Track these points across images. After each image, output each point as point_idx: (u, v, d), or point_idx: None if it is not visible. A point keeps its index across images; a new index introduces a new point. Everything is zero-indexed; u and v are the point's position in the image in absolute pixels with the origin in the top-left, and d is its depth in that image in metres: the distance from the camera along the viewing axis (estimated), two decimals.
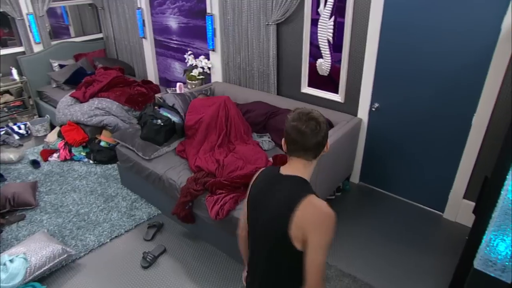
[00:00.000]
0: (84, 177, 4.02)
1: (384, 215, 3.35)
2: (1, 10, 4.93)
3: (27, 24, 5.18)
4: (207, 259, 2.92)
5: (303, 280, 1.28)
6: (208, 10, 4.24)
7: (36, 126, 5.02)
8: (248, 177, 2.79)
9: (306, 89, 3.76)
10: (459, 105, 2.88)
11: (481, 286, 1.62)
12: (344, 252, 2.93)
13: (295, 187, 1.31)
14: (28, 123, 5.08)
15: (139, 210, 3.47)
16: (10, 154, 4.30)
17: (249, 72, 4.15)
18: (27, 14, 5.13)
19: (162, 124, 3.48)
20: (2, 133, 4.87)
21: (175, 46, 5.09)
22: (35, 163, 4.24)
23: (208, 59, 4.57)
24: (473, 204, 2.88)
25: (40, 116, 5.43)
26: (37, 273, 2.64)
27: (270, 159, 3.12)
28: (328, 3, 3.23)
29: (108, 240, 3.12)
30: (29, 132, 5.09)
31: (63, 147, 4.35)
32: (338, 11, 3.21)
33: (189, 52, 4.72)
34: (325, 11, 3.28)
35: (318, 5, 3.32)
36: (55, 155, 4.39)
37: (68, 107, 4.50)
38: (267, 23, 3.68)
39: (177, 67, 5.26)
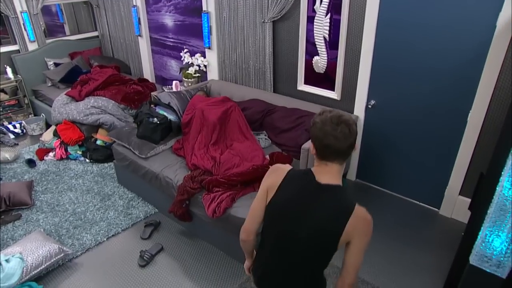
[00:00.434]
0: (80, 176, 4.00)
1: (380, 212, 3.36)
2: None
3: (21, 22, 5.14)
4: (204, 257, 2.92)
5: (325, 281, 1.49)
6: (204, 8, 4.22)
7: (31, 125, 4.99)
8: (245, 174, 2.79)
9: (302, 87, 3.76)
10: (455, 102, 2.89)
11: (477, 282, 1.63)
12: (341, 249, 2.93)
13: (342, 198, 1.34)
14: (23, 122, 5.05)
15: (136, 209, 3.46)
16: (5, 154, 4.28)
17: (245, 70, 4.14)
18: (21, 12, 5.09)
19: (158, 122, 3.48)
20: None
21: (171, 44, 5.07)
22: (30, 162, 4.22)
23: (204, 57, 4.56)
24: (468, 200, 2.90)
25: (35, 115, 5.40)
26: (33, 272, 2.63)
27: (267, 156, 3.12)
28: (324, 0, 3.22)
29: (105, 239, 3.11)
30: (24, 131, 5.06)
31: (59, 146, 4.33)
32: (334, 8, 3.20)
33: (185, 50, 4.71)
34: (321, 8, 3.27)
35: (314, 3, 3.31)
36: (51, 154, 4.37)
37: (63, 106, 4.48)
38: (263, 20, 3.68)
39: (173, 65, 5.24)
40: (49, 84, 5.33)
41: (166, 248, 3.02)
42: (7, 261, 2.55)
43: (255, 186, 2.79)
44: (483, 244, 1.53)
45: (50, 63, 5.43)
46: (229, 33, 4.09)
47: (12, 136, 4.89)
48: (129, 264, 2.87)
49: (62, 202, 3.57)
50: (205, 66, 4.57)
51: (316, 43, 3.45)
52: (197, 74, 4.60)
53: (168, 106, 3.72)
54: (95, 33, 6.14)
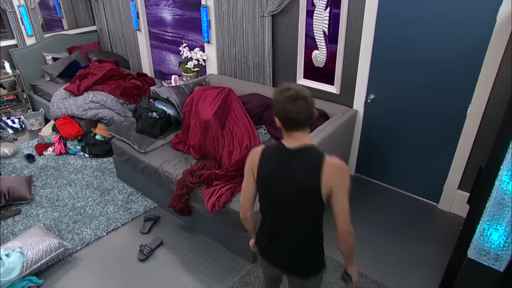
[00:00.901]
0: (79, 170, 4.01)
1: (379, 206, 3.37)
2: None
3: (18, 16, 5.11)
4: (203, 251, 2.93)
5: (322, 234, 1.64)
6: (203, 2, 4.20)
7: (30, 120, 4.98)
8: (240, 162, 2.79)
9: (301, 81, 3.75)
10: (454, 96, 2.89)
11: (475, 275, 1.65)
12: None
13: (311, 155, 1.49)
14: (22, 117, 5.04)
15: (136, 203, 3.47)
16: (4, 149, 4.27)
17: (244, 64, 4.13)
18: (18, 6, 5.06)
19: (157, 117, 3.47)
20: None
21: (169, 38, 5.05)
22: (30, 157, 4.22)
23: (203, 51, 4.54)
24: (467, 194, 2.91)
25: (34, 110, 5.38)
26: (33, 267, 2.64)
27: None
28: None
29: (105, 234, 3.12)
30: (23, 126, 5.05)
31: (58, 141, 4.33)
32: (334, 2, 3.19)
33: (184, 44, 4.68)
34: (320, 2, 3.26)
35: None
36: (50, 149, 4.37)
37: (62, 101, 4.46)
38: (262, 14, 3.66)
39: (172, 59, 5.22)
40: (48, 79, 5.31)
41: (166, 242, 3.03)
42: (7, 255, 2.55)
43: None
44: (482, 238, 1.54)
45: (49, 57, 5.41)
46: (228, 27, 4.07)
47: (11, 131, 4.89)
48: (128, 258, 2.88)
49: (61, 197, 3.58)
50: (204, 60, 4.55)
51: (316, 37, 3.43)
52: (196, 69, 4.59)
53: (167, 101, 3.71)
54: (93, 28, 6.11)
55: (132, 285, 2.65)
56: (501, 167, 1.43)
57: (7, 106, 5.24)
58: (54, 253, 2.77)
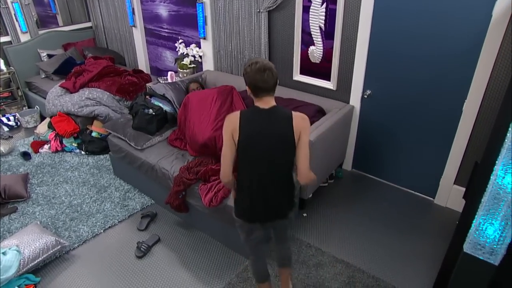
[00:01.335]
0: (76, 168, 3.99)
1: (376, 201, 3.38)
2: None
3: (12, 12, 5.06)
4: (201, 247, 2.93)
5: (293, 180, 1.97)
6: None
7: (25, 118, 4.95)
8: None
9: (298, 77, 3.75)
10: (450, 91, 2.90)
11: (471, 269, 1.66)
12: (337, 238, 2.97)
13: (282, 110, 1.86)
14: (17, 114, 5.01)
15: (132, 200, 3.46)
16: None
17: (240, 60, 4.11)
18: (12, 3, 5.01)
19: (153, 113, 3.46)
20: None
21: (165, 34, 5.02)
22: (25, 155, 4.20)
23: (199, 47, 4.52)
24: (463, 189, 2.93)
25: (29, 107, 5.35)
26: (30, 265, 2.64)
27: None
28: None
29: (102, 231, 3.12)
30: (18, 123, 5.02)
31: (54, 138, 4.31)
32: None
33: (180, 41, 4.66)
34: None
35: None
36: (46, 146, 4.35)
37: (58, 98, 4.44)
38: (258, 10, 3.64)
39: (168, 55, 5.19)
40: (43, 76, 5.28)
41: (163, 239, 3.03)
42: (4, 253, 2.54)
43: None
44: (477, 232, 1.55)
45: (43, 54, 5.37)
46: (224, 23, 4.05)
47: (6, 128, 4.86)
48: (126, 255, 2.88)
49: (58, 194, 3.57)
50: (200, 56, 4.54)
51: (312, 33, 3.43)
52: (193, 65, 4.57)
53: (163, 97, 3.70)
54: (88, 24, 6.06)
55: (129, 282, 2.66)
56: (497, 162, 1.44)
57: (2, 104, 5.20)
58: (51, 251, 2.76)
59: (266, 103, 1.83)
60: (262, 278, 2.21)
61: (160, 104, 3.63)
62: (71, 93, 4.48)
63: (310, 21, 3.39)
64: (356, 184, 3.65)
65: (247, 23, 3.82)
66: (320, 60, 3.50)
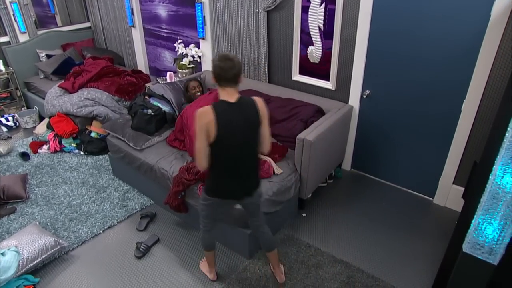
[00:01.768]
0: (75, 168, 3.99)
1: (375, 201, 3.38)
2: None
3: (11, 13, 5.05)
4: (200, 248, 2.93)
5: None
6: None
7: (24, 118, 4.95)
8: None
9: (297, 77, 3.75)
10: (449, 91, 2.90)
11: (470, 269, 1.66)
12: (336, 238, 2.97)
13: (248, 100, 2.05)
14: (16, 114, 5.00)
15: (132, 201, 3.46)
16: None
17: (240, 60, 4.11)
18: (10, 3, 5.00)
19: (152, 114, 3.46)
20: None
21: (164, 34, 5.02)
22: (24, 155, 4.19)
23: (198, 47, 4.52)
24: (462, 189, 2.93)
25: (28, 108, 5.34)
26: (29, 265, 2.63)
27: None
28: None
29: (101, 231, 3.11)
30: (17, 124, 5.01)
31: (52, 139, 4.30)
32: None
33: (179, 41, 4.66)
34: None
35: None
36: (45, 147, 4.34)
37: (57, 98, 4.43)
38: (257, 10, 3.64)
39: (167, 56, 5.19)
40: (42, 76, 5.27)
41: (162, 239, 3.03)
42: (2, 254, 2.54)
43: None
44: (476, 232, 1.55)
45: (42, 54, 5.36)
46: (223, 24, 4.05)
47: (5, 129, 4.85)
48: (125, 255, 2.88)
49: (57, 195, 3.56)
50: (199, 56, 4.53)
51: (311, 33, 3.43)
52: (192, 65, 4.57)
53: (162, 98, 3.69)
54: (87, 24, 6.06)
55: (128, 282, 2.65)
56: (496, 161, 1.44)
57: (1, 104, 5.19)
58: (50, 252, 2.76)
59: (231, 95, 2.01)
60: (209, 247, 2.47)
61: (159, 105, 3.63)
62: (70, 93, 4.47)
63: (309, 21, 3.39)
64: (355, 184, 3.66)
65: (246, 23, 3.82)
66: (319, 60, 3.51)
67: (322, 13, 3.27)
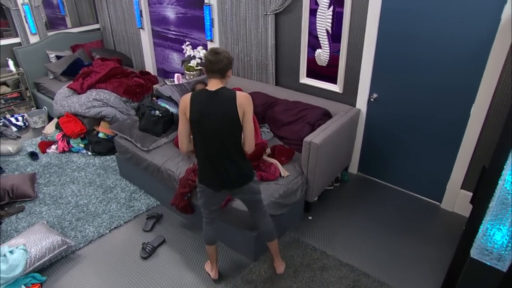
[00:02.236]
0: (82, 168, 4.02)
1: (382, 205, 3.36)
2: None
3: (22, 14, 5.13)
4: (205, 249, 2.93)
5: (243, 150, 2.18)
6: (206, 0, 4.19)
7: (33, 118, 5.00)
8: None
9: (304, 80, 3.75)
10: (457, 95, 2.88)
11: (478, 275, 1.64)
12: (342, 242, 2.95)
13: (227, 91, 2.08)
14: (25, 114, 5.06)
15: (138, 201, 3.48)
16: (8, 146, 4.29)
17: (247, 63, 4.13)
18: (22, 4, 5.08)
19: (160, 115, 3.48)
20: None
21: (173, 36, 5.05)
22: (33, 155, 4.24)
23: (206, 49, 4.53)
24: (470, 194, 2.90)
25: (37, 108, 5.41)
26: (37, 264, 2.66)
27: (269, 149, 3.12)
28: None
29: (108, 231, 3.13)
30: (26, 124, 5.07)
31: (61, 139, 4.35)
32: (337, 0, 3.18)
33: (187, 43, 4.68)
34: (323, 1, 3.25)
35: None
36: (53, 146, 4.38)
37: (65, 99, 4.48)
38: (265, 13, 3.65)
39: (175, 57, 5.22)
40: (51, 77, 5.33)
41: (168, 240, 3.04)
42: (11, 252, 2.57)
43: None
44: (484, 238, 1.53)
45: (52, 55, 5.42)
46: (231, 26, 4.07)
47: (14, 129, 4.91)
48: (131, 256, 2.89)
49: (64, 194, 3.59)
50: None
51: (319, 36, 3.43)
52: (199, 67, 4.59)
53: (170, 99, 3.72)
54: (96, 26, 6.12)
55: (134, 282, 2.67)
56: (505, 166, 1.43)
57: (11, 104, 5.26)
58: (57, 250, 2.78)
59: (214, 85, 2.08)
60: (209, 241, 2.49)
61: (167, 106, 3.65)
62: (79, 94, 4.52)
63: (317, 24, 3.39)
64: (362, 187, 3.64)
65: (254, 26, 3.83)
66: (326, 63, 3.50)
67: (330, 16, 3.27)
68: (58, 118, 4.48)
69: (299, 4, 3.44)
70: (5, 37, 5.21)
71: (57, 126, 4.48)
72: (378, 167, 3.64)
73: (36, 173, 3.91)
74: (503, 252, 1.50)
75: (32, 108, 5.38)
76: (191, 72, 4.55)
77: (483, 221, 1.53)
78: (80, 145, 4.35)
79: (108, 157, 4.21)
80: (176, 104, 3.68)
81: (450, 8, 2.68)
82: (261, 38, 3.82)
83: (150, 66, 5.59)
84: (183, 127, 2.14)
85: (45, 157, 4.26)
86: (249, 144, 2.13)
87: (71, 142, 4.34)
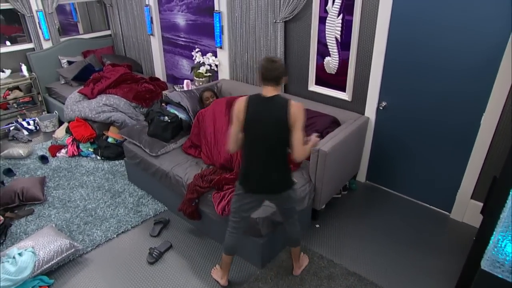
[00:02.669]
0: (91, 173, 4.05)
1: (390, 214, 3.33)
2: (11, 7, 4.97)
3: (36, 21, 5.23)
4: (212, 255, 2.93)
5: (289, 161, 2.28)
6: (216, 7, 4.24)
7: (44, 122, 5.07)
8: None
9: (313, 87, 3.75)
10: (468, 104, 2.85)
11: (488, 287, 1.61)
12: (350, 251, 2.93)
13: (281, 99, 2.14)
14: (36, 118, 5.13)
15: (146, 206, 3.49)
16: (19, 150, 4.35)
17: (256, 70, 4.14)
18: (36, 11, 5.18)
19: (169, 121, 3.50)
20: (11, 128, 4.93)
21: (182, 43, 5.10)
22: (43, 159, 4.29)
23: (216, 56, 4.57)
24: (480, 204, 2.86)
25: (48, 112, 5.48)
26: (45, 266, 2.68)
27: None
28: (336, 1, 3.21)
29: (115, 236, 3.15)
30: (37, 127, 5.14)
31: (71, 143, 4.40)
32: (346, 9, 3.19)
33: (197, 49, 4.73)
34: (333, 9, 3.26)
35: (326, 3, 3.30)
36: (63, 150, 4.43)
37: (76, 103, 4.54)
38: (275, 20, 3.68)
39: (184, 64, 5.27)
40: (62, 82, 5.41)
41: (175, 246, 3.04)
42: (20, 254, 2.59)
43: None
44: (496, 249, 1.51)
45: (64, 61, 5.51)
46: (240, 33, 4.10)
47: (26, 132, 4.98)
48: (138, 260, 2.90)
49: (73, 198, 3.63)
50: (216, 65, 4.59)
51: (328, 43, 3.44)
52: (208, 74, 4.62)
53: (179, 105, 3.74)
54: (108, 32, 6.21)
55: (140, 287, 2.67)
56: None
57: (23, 108, 5.35)
58: (65, 254, 2.80)
59: (269, 91, 2.15)
60: (229, 251, 2.50)
61: (176, 112, 3.67)
62: (89, 99, 4.57)
63: (326, 32, 3.40)
64: (370, 196, 3.61)
65: (264, 33, 3.86)
66: (335, 71, 3.50)
67: (340, 24, 3.27)
68: (69, 122, 4.54)
69: (308, 12, 3.46)
70: (19, 43, 5.31)
71: (67, 131, 4.53)
72: (386, 176, 3.61)
73: (45, 176, 3.96)
74: None
75: (43, 112, 5.46)
76: (201, 79, 4.58)
77: (494, 232, 1.50)
78: (90, 149, 4.39)
79: (117, 162, 4.25)
80: (185, 110, 3.71)
81: (460, 15, 2.67)
82: (270, 45, 3.84)
83: (159, 72, 5.65)
84: (233, 129, 2.22)
85: (55, 160, 4.31)
86: (297, 151, 2.15)
87: (81, 146, 4.38)
